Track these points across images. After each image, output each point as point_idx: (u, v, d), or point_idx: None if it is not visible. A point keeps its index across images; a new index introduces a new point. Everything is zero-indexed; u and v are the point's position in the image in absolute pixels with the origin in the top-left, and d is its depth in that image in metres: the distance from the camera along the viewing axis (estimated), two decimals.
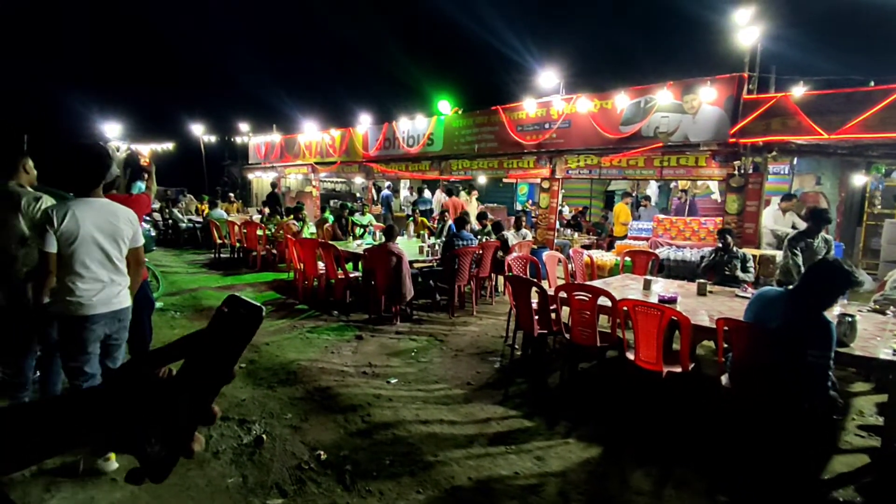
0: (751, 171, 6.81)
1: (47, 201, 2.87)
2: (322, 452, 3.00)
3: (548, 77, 9.39)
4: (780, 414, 2.97)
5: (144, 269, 3.21)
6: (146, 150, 19.23)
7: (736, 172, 6.85)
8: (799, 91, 6.51)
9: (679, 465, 2.97)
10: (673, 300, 4.00)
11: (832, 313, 3.43)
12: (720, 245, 5.34)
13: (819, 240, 4.81)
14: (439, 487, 2.69)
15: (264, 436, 3.19)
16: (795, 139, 6.44)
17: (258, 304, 0.45)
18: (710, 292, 4.59)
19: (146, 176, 4.55)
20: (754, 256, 6.14)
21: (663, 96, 7.34)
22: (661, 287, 4.76)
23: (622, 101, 7.83)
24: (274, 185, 14.81)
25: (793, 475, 2.92)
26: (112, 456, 2.72)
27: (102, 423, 0.44)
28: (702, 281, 4.69)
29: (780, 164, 9.20)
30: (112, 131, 21.18)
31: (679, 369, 3.36)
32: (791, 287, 2.98)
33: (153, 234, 11.73)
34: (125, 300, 2.70)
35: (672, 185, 11.56)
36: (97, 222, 2.53)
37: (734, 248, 5.34)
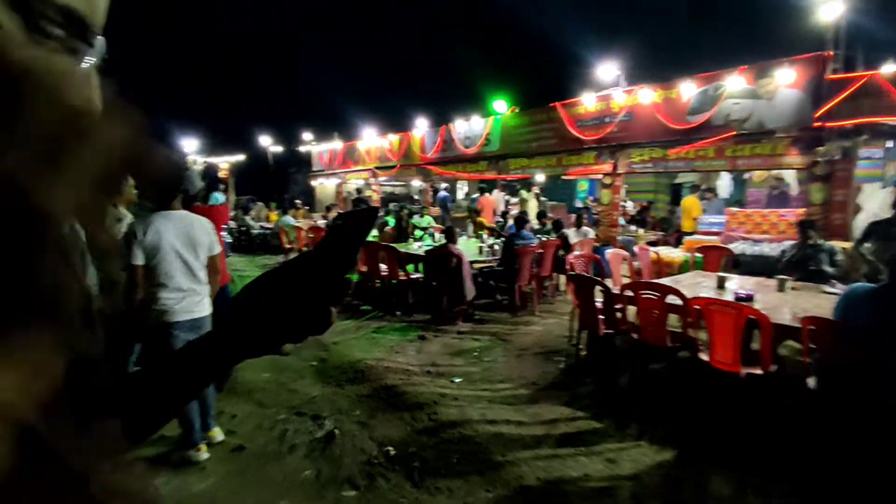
0: (837, 157, 6.27)
1: (126, 225, 3.12)
2: (391, 449, 3.09)
3: (607, 69, 9.14)
4: (872, 418, 2.72)
5: (225, 274, 3.42)
6: (223, 164, 20.55)
7: (820, 159, 6.34)
8: (889, 68, 5.93)
9: (761, 471, 2.80)
10: (750, 298, 3.76)
11: None
12: (802, 239, 4.96)
13: None
14: (508, 487, 2.69)
15: (335, 431, 3.32)
16: (889, 120, 5.87)
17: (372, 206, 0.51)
18: (793, 289, 4.28)
19: (223, 187, 4.87)
20: (844, 249, 5.65)
21: (734, 82, 6.92)
22: (737, 284, 4.49)
23: (688, 89, 7.47)
24: (359, 190, 15.46)
25: (885, 484, 2.67)
26: (203, 447, 2.93)
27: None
28: (782, 277, 4.37)
29: (873, 149, 8.39)
30: (189, 146, 22.81)
31: (759, 371, 3.16)
32: (884, 283, 2.72)
33: (229, 240, 12.52)
34: (205, 308, 2.86)
35: (746, 176, 10.84)
36: (177, 234, 2.69)
37: (819, 241, 4.93)
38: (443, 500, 2.60)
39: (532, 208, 10.79)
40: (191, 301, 2.77)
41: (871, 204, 6.32)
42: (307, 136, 21.10)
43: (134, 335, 3.26)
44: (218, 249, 2.94)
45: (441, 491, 2.68)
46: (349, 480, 2.79)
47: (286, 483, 2.78)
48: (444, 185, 14.93)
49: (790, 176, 9.11)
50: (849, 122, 6.07)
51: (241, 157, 23.05)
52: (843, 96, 6.05)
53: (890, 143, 8.23)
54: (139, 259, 2.63)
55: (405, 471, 2.87)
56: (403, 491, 2.69)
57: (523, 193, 11.88)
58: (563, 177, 13.41)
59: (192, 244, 2.76)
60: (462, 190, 16.76)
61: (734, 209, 8.63)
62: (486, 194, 12.30)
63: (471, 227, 10.02)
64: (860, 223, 6.30)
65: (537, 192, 12.00)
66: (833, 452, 2.88)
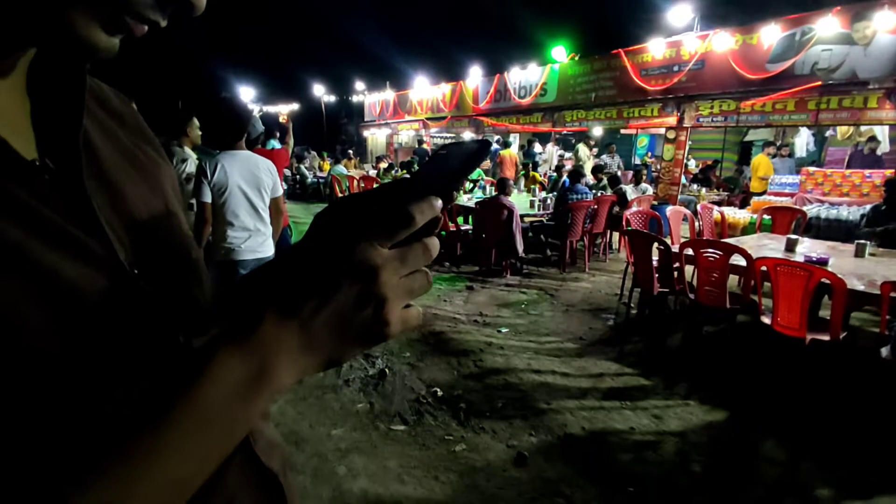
0: None
1: (191, 165, 3.24)
2: (438, 389, 3.20)
3: (680, 12, 8.42)
4: None
5: (286, 216, 3.54)
6: (285, 111, 20.95)
7: None
8: None
9: (822, 441, 2.71)
10: (824, 262, 3.52)
11: None
12: (889, 200, 4.54)
13: None
14: (552, 433, 2.75)
15: (386, 370, 3.47)
16: None
17: (489, 140, 0.43)
18: (872, 255, 3.97)
19: (279, 134, 4.97)
20: None
21: (826, 25, 6.21)
22: (808, 247, 4.21)
23: (771, 34, 6.78)
24: (420, 141, 15.48)
25: None
26: None
27: None
28: (862, 241, 4.05)
29: None
30: (246, 95, 23.30)
31: (827, 337, 3.00)
32: None
33: (285, 187, 12.92)
34: (269, 249, 2.96)
35: (828, 133, 9.93)
36: (242, 173, 2.75)
37: None
38: (487, 440, 2.70)
39: (589, 163, 10.40)
40: (255, 241, 2.87)
41: None
42: (359, 85, 21.04)
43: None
44: (280, 191, 3.01)
45: (486, 431, 2.77)
46: (399, 415, 2.94)
47: (342, 413, 2.95)
48: (496, 137, 14.61)
49: (882, 133, 8.27)
50: None
51: (295, 107, 23.40)
52: None
53: None
54: (207, 196, 2.70)
55: (451, 410, 2.98)
56: (450, 428, 2.80)
57: (580, 148, 11.43)
58: (623, 130, 12.78)
59: (257, 184, 2.81)
60: (515, 143, 16.37)
61: (812, 169, 7.97)
62: (508, 149, 12.01)
63: (522, 181, 9.82)
64: None
65: (592, 144, 11.50)
66: None
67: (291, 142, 4.73)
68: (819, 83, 6.37)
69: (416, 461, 2.52)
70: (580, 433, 2.76)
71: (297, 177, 14.73)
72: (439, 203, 0.38)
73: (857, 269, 3.50)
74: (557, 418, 2.90)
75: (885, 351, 2.83)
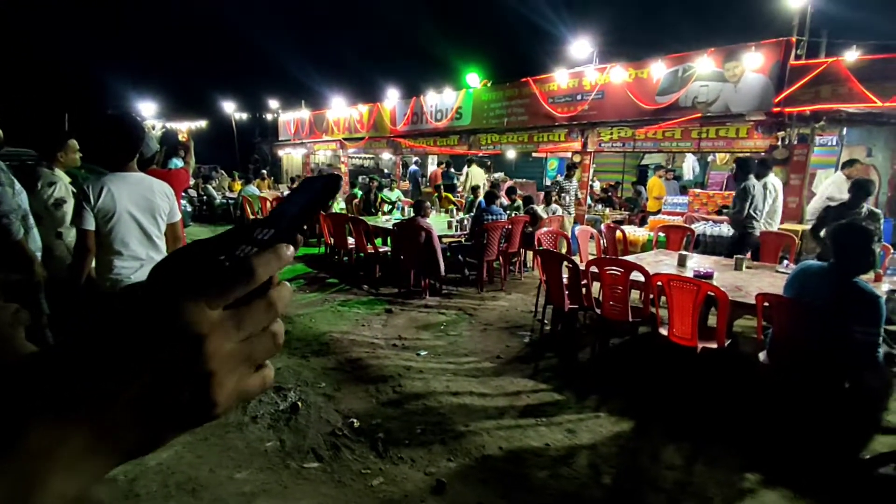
0: (796, 143, 6.48)
1: (61, 188, 2.93)
2: (355, 420, 3.08)
3: (581, 46, 9.09)
4: (820, 392, 2.89)
5: (184, 243, 3.28)
6: (183, 128, 19.68)
7: (780, 144, 6.54)
8: (851, 56, 6.11)
9: (712, 441, 2.94)
10: (709, 275, 3.89)
11: (881, 289, 3.29)
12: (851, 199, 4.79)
13: (863, 213, 4.56)
14: (470, 456, 2.74)
15: (299, 403, 3.29)
16: (846, 107, 6.08)
17: (336, 174, 0.39)
18: (748, 268, 4.45)
19: (182, 153, 4.65)
20: (796, 232, 5.90)
21: (703, 64, 7.00)
22: (697, 262, 4.64)
23: (659, 69, 7.52)
24: (330, 164, 15.06)
25: (831, 454, 2.85)
26: None
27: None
28: (739, 256, 4.54)
29: (829, 135, 8.72)
30: (147, 110, 21.69)
31: (714, 345, 3.29)
32: (833, 262, 2.85)
33: (189, 210, 12.08)
34: None
35: (709, 158, 11.13)
36: (133, 198, 2.48)
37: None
38: (405, 470, 2.63)
39: (478, 179, 10.58)
40: (148, 271, 2.60)
41: (825, 189, 6.60)
42: (273, 103, 20.39)
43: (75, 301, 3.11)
44: (178, 216, 2.77)
45: (404, 460, 2.70)
46: (313, 451, 2.78)
47: (248, 453, 2.74)
48: (415, 158, 14.74)
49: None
50: (808, 108, 6.26)
51: (202, 124, 22.13)
52: (802, 83, 6.21)
53: (845, 131, 8.56)
54: (89, 224, 2.40)
55: (369, 441, 2.87)
56: (367, 461, 2.70)
57: (472, 170, 11.66)
58: (534, 154, 13.44)
59: (151, 209, 2.55)
60: (432, 165, 16.61)
61: (697, 190, 8.86)
62: (441, 166, 12.41)
63: (437, 203, 9.96)
64: (812, 208, 6.60)
65: (485, 164, 11.80)
66: (782, 425, 3.05)
67: (192, 161, 4.43)
68: (699, 115, 7.13)
69: (331, 500, 2.39)
70: (498, 454, 2.78)
71: (204, 197, 13.85)
72: (289, 252, 0.33)
73: (736, 281, 3.90)
74: (476, 440, 2.90)
75: (762, 356, 3.15)
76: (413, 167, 14.35)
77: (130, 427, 0.29)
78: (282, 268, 0.33)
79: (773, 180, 5.79)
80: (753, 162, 5.54)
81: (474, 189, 9.37)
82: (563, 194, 8.39)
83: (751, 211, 5.34)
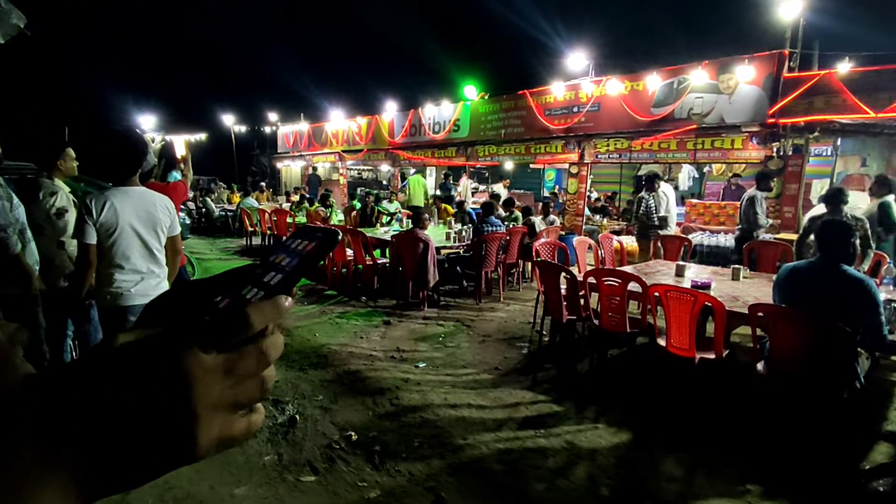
0: (791, 153, 6.54)
1: (62, 198, 2.94)
2: (352, 433, 3.07)
3: (577, 59, 9.20)
4: (819, 402, 2.89)
5: (183, 255, 3.29)
6: (181, 141, 19.76)
7: (775, 154, 6.59)
8: (844, 68, 6.20)
9: (711, 452, 2.92)
10: (706, 286, 3.90)
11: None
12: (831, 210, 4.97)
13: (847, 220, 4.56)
14: (470, 469, 2.73)
15: (297, 416, 3.28)
16: (840, 118, 6.15)
17: (333, 230, 0.39)
18: (745, 278, 4.46)
19: (182, 165, 4.67)
20: (792, 241, 5.92)
21: (698, 76, 7.09)
22: (694, 273, 4.65)
23: (654, 82, 7.60)
24: (314, 167, 15.15)
25: (830, 464, 2.84)
26: None
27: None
28: (736, 266, 4.55)
29: (823, 146, 8.80)
30: (147, 123, 21.80)
31: (712, 356, 3.29)
32: (818, 255, 2.91)
33: (188, 222, 12.09)
34: (162, 291, 2.72)
35: (706, 168, 11.19)
36: (136, 212, 2.51)
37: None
38: (403, 483, 2.61)
39: (465, 190, 10.85)
40: (148, 284, 2.59)
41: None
42: (272, 116, 20.52)
43: (67, 319, 3.12)
44: (178, 230, 2.79)
45: (402, 473, 2.68)
46: (309, 464, 2.77)
47: (246, 467, 2.72)
48: (412, 171, 14.79)
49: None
50: (801, 120, 6.33)
51: (201, 136, 22.23)
52: (796, 94, 6.29)
53: (839, 141, 8.64)
54: (91, 237, 2.42)
55: (366, 454, 2.86)
56: (364, 474, 2.68)
57: (461, 182, 11.96)
58: (532, 165, 13.52)
59: (153, 223, 2.57)
60: (431, 177, 16.67)
61: (694, 200, 8.90)
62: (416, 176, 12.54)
63: (435, 214, 10.00)
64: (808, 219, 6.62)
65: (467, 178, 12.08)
66: (781, 435, 3.04)
67: (191, 174, 4.46)
68: (694, 126, 7.20)
69: None
70: (496, 467, 2.76)
71: (203, 210, 13.88)
72: (288, 303, 0.34)
73: (733, 291, 3.91)
74: (474, 453, 2.88)
75: (759, 366, 3.15)
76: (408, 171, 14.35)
77: (113, 465, 0.29)
78: (279, 319, 0.34)
79: (664, 188, 7.12)
80: (651, 176, 7.05)
81: (460, 204, 9.41)
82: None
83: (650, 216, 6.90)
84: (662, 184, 7.14)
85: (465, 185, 12.34)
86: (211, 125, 23.04)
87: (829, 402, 2.87)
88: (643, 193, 7.03)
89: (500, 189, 11.82)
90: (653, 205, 6.90)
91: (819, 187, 8.70)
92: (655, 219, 6.88)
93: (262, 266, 0.36)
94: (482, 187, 15.05)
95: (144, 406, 0.29)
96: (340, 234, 0.38)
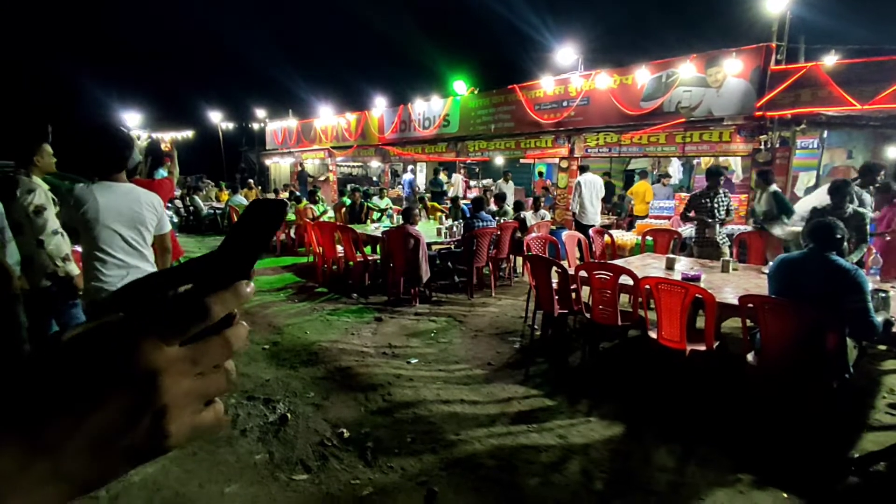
0: (778, 146, 6.59)
1: (40, 195, 2.88)
2: (344, 430, 3.05)
3: (566, 53, 9.19)
4: (809, 391, 2.92)
5: (181, 249, 3.22)
6: (167, 138, 19.50)
7: (762, 147, 6.64)
8: (830, 60, 6.24)
9: (703, 443, 2.94)
10: (697, 278, 3.92)
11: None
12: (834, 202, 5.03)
13: (848, 213, 4.61)
14: (462, 465, 2.72)
15: (288, 414, 3.24)
16: (826, 111, 6.20)
17: (281, 200, 0.38)
18: (735, 270, 4.49)
19: (168, 162, 4.60)
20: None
21: (686, 70, 7.11)
22: (685, 265, 4.67)
23: (643, 75, 7.62)
24: (301, 164, 15.04)
25: (821, 453, 2.87)
26: None
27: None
28: (726, 259, 4.58)
29: (809, 138, 8.88)
30: (132, 120, 21.49)
31: (703, 347, 3.30)
32: (810, 246, 2.95)
33: (175, 220, 11.95)
34: None
35: (695, 161, 11.25)
36: (118, 208, 2.47)
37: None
38: (396, 479, 2.60)
39: (457, 185, 10.90)
40: (134, 279, 2.57)
41: (814, 199, 6.69)
42: (260, 112, 20.33)
43: (52, 313, 3.06)
44: (168, 227, 2.74)
45: (394, 470, 2.67)
46: (301, 462, 2.74)
47: (237, 466, 2.69)
48: (410, 167, 14.70)
49: (735, 163, 9.53)
50: (788, 112, 6.37)
51: (188, 134, 21.97)
52: (782, 87, 6.33)
53: (825, 134, 8.73)
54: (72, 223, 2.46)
55: (359, 451, 2.84)
56: (356, 471, 2.66)
57: (455, 176, 11.98)
58: (522, 160, 13.52)
59: (134, 220, 2.53)
60: (421, 172, 16.61)
61: (683, 194, 8.95)
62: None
63: (423, 211, 9.97)
64: (801, 209, 6.66)
65: (463, 173, 12.09)
66: (771, 424, 3.07)
67: (177, 171, 4.39)
68: (683, 119, 7.23)
69: None
70: (489, 462, 2.75)
71: (191, 208, 13.72)
72: (249, 290, 0.33)
73: (723, 283, 3.93)
74: (467, 448, 2.87)
75: (750, 356, 3.17)
76: (409, 175, 14.27)
77: (85, 462, 0.28)
78: (240, 305, 0.33)
79: (587, 178, 7.77)
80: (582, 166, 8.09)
81: (454, 200, 9.39)
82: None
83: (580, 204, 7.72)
84: (581, 174, 7.93)
85: (458, 179, 12.31)
86: (198, 122, 22.80)
87: (818, 391, 2.90)
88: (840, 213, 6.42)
89: (505, 186, 11.77)
90: (576, 195, 7.63)
91: (806, 180, 8.79)
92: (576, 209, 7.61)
93: (218, 251, 0.34)
94: (473, 182, 15.02)
95: (111, 401, 0.28)
96: (288, 203, 0.37)
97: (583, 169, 7.91)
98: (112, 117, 21.87)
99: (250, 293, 0.32)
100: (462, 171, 12.66)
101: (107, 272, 2.49)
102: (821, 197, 6.37)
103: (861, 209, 4.72)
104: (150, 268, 2.66)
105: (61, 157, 3.15)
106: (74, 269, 2.97)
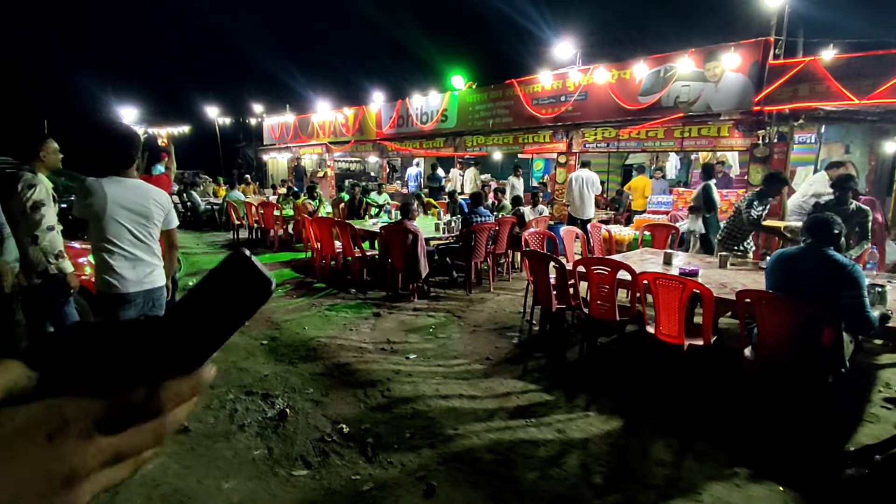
0: (776, 141, 6.59)
1: (40, 191, 2.88)
2: (344, 426, 3.06)
3: (564, 48, 9.16)
4: (805, 385, 2.94)
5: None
6: (164, 134, 19.42)
7: (760, 142, 6.64)
8: (828, 55, 6.23)
9: (700, 437, 2.96)
10: (694, 273, 3.93)
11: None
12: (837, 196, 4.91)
13: (852, 209, 4.60)
14: (460, 459, 2.73)
15: (287, 410, 3.25)
16: (824, 105, 6.20)
17: (269, 277, 0.31)
18: (732, 265, 4.50)
19: (165, 158, 4.59)
20: (776, 229, 5.98)
21: (684, 64, 7.09)
22: (682, 260, 4.68)
23: (641, 70, 7.60)
24: (298, 158, 14.99)
25: (816, 446, 2.89)
26: None
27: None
28: (724, 254, 4.59)
29: (807, 133, 8.88)
30: (128, 115, 21.38)
31: (701, 342, 3.32)
32: (808, 241, 2.95)
33: None
34: (158, 279, 2.68)
35: (693, 156, 11.26)
36: (125, 202, 2.52)
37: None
38: (396, 474, 2.61)
39: (469, 181, 10.88)
40: (141, 272, 2.60)
41: (808, 187, 6.68)
42: (257, 107, 20.24)
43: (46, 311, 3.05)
44: (175, 223, 2.78)
45: (394, 465, 2.68)
46: (302, 458, 2.75)
47: (236, 462, 2.70)
48: (416, 161, 14.61)
49: (733, 157, 9.53)
50: (786, 107, 6.37)
51: (184, 129, 21.86)
52: (781, 82, 6.32)
53: (823, 129, 8.72)
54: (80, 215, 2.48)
55: (359, 447, 2.85)
56: (357, 467, 2.67)
57: (470, 171, 11.91)
58: (520, 155, 13.50)
59: (141, 214, 2.57)
60: (419, 167, 16.57)
61: (681, 189, 8.95)
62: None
63: (420, 207, 9.96)
64: (794, 203, 6.68)
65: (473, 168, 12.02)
66: (768, 418, 3.09)
67: (174, 167, 4.38)
68: (681, 114, 7.22)
69: None
70: (488, 456, 2.77)
71: (189, 204, 13.68)
72: (211, 374, 0.29)
73: (721, 278, 3.94)
74: (465, 443, 2.88)
75: (747, 351, 3.19)
76: (415, 169, 14.13)
77: None
78: (195, 395, 0.29)
79: (578, 173, 7.96)
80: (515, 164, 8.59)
81: (451, 194, 9.38)
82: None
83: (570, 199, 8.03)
84: (512, 177, 9.12)
85: (455, 174, 12.28)
86: (195, 117, 22.68)
87: (815, 385, 2.92)
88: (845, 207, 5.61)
89: (515, 180, 11.63)
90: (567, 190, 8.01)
91: (803, 174, 8.79)
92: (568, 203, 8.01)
93: (184, 316, 0.29)
94: (484, 176, 15.02)
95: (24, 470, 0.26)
96: (274, 282, 0.31)
97: (583, 164, 7.95)
98: (108, 113, 21.77)
99: (210, 378, 0.29)
100: (474, 165, 12.51)
101: (114, 262, 2.56)
102: (811, 187, 6.37)
103: (864, 206, 4.70)
104: (158, 262, 2.70)
105: (64, 152, 3.14)
106: (68, 265, 2.97)
